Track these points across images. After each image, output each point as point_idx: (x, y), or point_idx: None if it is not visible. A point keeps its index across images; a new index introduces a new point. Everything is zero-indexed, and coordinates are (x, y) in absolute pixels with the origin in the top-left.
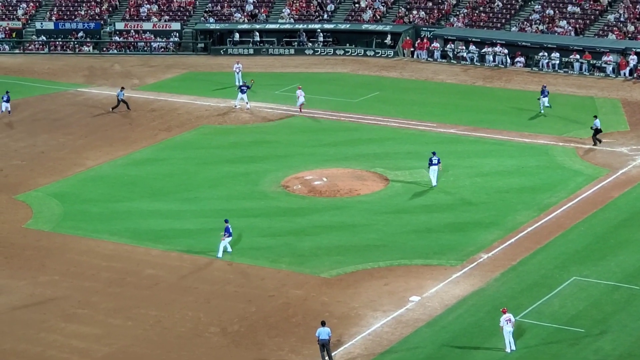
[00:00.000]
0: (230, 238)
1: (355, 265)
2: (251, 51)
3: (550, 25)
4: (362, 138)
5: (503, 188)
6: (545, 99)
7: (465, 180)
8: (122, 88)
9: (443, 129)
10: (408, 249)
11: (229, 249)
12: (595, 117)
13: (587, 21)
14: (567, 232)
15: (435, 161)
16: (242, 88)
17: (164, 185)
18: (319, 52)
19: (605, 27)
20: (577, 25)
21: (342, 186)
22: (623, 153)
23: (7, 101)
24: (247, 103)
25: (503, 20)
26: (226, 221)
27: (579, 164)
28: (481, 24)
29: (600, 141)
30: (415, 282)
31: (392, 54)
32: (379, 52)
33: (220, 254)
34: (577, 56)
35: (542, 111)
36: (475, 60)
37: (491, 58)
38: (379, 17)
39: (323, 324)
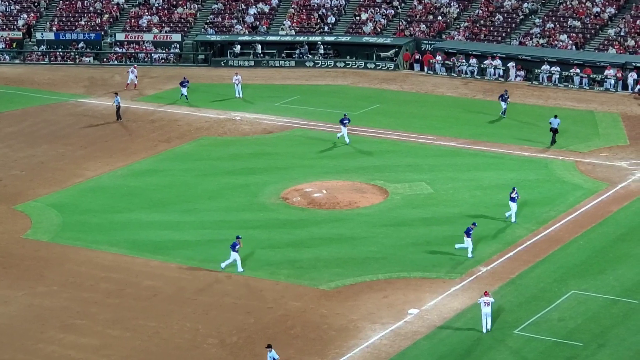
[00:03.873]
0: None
1: (354, 277)
2: (252, 63)
3: (551, 39)
4: (362, 150)
5: (502, 201)
6: (504, 104)
7: (464, 193)
8: (116, 94)
9: (443, 142)
10: (407, 262)
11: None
12: (555, 116)
13: (588, 35)
14: (566, 246)
15: (515, 196)
16: (344, 121)
17: (164, 196)
18: (320, 65)
19: (606, 42)
20: (578, 40)
21: (341, 198)
22: (622, 167)
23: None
24: (345, 137)
25: (504, 34)
26: (474, 224)
27: (578, 178)
28: (482, 37)
29: (553, 142)
30: (414, 294)
31: (392, 66)
32: (379, 65)
33: (471, 254)
34: (577, 70)
35: (504, 116)
36: (475, 73)
37: (492, 71)
38: (379, 30)
39: (269, 347)
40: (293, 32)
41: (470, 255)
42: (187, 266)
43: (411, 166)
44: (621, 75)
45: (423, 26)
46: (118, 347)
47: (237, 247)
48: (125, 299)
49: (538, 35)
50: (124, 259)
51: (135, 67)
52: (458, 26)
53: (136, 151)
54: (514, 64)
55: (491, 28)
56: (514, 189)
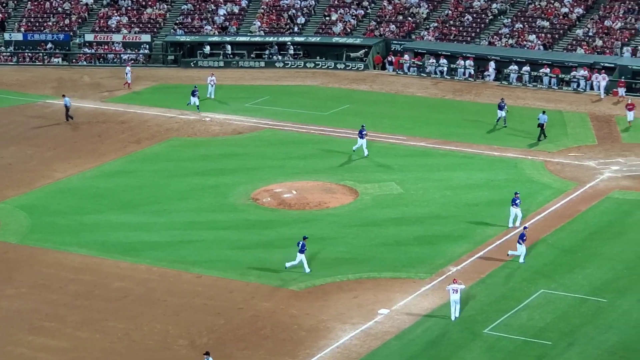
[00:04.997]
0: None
1: (324, 278)
2: (221, 64)
3: (520, 39)
4: (332, 151)
5: (472, 201)
6: (501, 113)
7: (434, 193)
8: (64, 95)
9: (413, 142)
10: (377, 262)
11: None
12: (544, 112)
13: (556, 35)
14: (534, 245)
15: (517, 202)
16: (362, 132)
17: (133, 197)
18: (289, 65)
19: (574, 42)
20: (546, 40)
21: (311, 199)
22: (591, 167)
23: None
24: (364, 149)
25: (473, 34)
26: (525, 228)
27: (548, 178)
28: (451, 37)
29: (544, 136)
30: (384, 295)
31: (362, 67)
32: (349, 65)
33: (523, 260)
34: (547, 70)
35: (505, 124)
36: (445, 73)
37: (462, 71)
38: (349, 30)
39: (207, 354)
40: (263, 33)
41: (522, 261)
42: (157, 267)
43: (381, 166)
44: (589, 75)
45: (393, 26)
46: (87, 349)
47: (304, 248)
48: (95, 300)
49: (507, 35)
50: (93, 260)
51: (128, 65)
52: (427, 26)
53: (106, 152)
54: (494, 65)
55: (460, 28)
56: (516, 194)
